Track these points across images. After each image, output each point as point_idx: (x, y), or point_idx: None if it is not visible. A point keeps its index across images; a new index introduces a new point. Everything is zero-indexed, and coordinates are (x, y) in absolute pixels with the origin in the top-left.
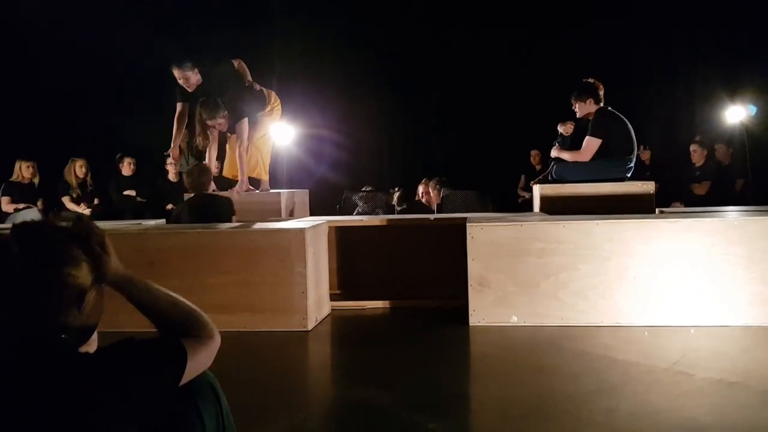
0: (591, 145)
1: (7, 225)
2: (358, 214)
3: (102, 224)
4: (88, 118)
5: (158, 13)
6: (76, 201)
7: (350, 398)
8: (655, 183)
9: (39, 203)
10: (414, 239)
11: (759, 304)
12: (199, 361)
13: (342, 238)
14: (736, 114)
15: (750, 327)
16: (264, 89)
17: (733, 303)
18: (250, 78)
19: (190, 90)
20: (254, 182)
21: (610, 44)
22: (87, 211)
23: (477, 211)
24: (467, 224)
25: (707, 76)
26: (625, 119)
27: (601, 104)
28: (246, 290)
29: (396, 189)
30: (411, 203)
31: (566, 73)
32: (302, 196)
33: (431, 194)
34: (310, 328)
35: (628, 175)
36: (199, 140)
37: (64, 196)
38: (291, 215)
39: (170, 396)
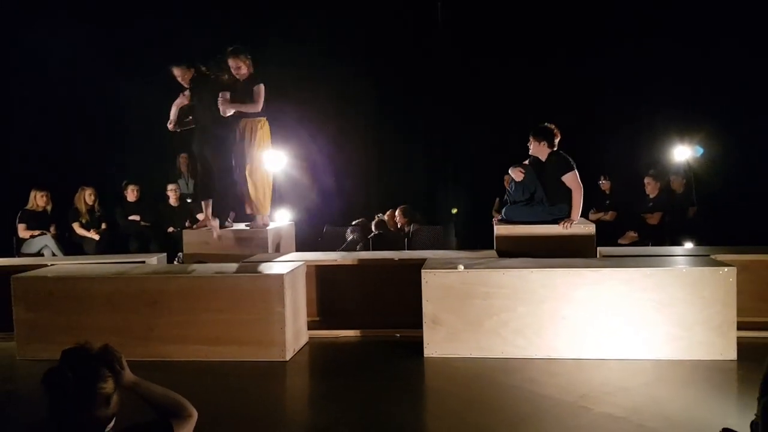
0: (574, 177)
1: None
2: (354, 242)
3: (112, 268)
4: (95, 150)
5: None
6: (86, 227)
7: (311, 425)
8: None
9: (52, 229)
10: (381, 276)
11: (669, 342)
12: None
13: (320, 274)
14: (683, 153)
15: (660, 360)
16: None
17: (647, 340)
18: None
19: (186, 85)
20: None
21: (578, 82)
22: (96, 237)
23: (441, 246)
24: (422, 270)
25: (663, 117)
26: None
27: (554, 149)
28: (233, 326)
29: (379, 215)
30: (386, 229)
31: (538, 104)
32: (288, 230)
33: (398, 220)
34: (288, 358)
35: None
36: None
37: (74, 222)
38: (278, 249)
39: None
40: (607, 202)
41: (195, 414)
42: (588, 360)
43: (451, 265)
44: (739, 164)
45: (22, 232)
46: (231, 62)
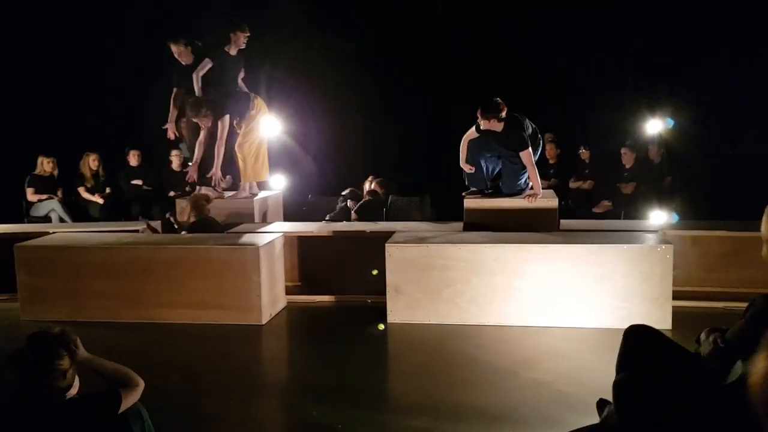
0: (529, 155)
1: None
2: (344, 209)
3: (107, 237)
4: (99, 115)
5: (155, 15)
6: (90, 191)
7: (277, 382)
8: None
9: (59, 193)
10: (354, 246)
11: (610, 312)
12: (129, 400)
13: (300, 243)
14: (655, 126)
15: (601, 329)
16: (250, 93)
17: (590, 310)
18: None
19: (183, 63)
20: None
21: (561, 50)
22: (100, 200)
23: (416, 217)
24: (386, 244)
25: (635, 89)
26: (523, 117)
27: (504, 120)
28: (215, 293)
29: (371, 179)
30: (377, 197)
31: (521, 77)
32: (276, 199)
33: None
34: (264, 322)
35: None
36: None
37: (79, 186)
38: (264, 219)
39: (114, 417)
40: (586, 171)
41: (141, 383)
42: (535, 327)
43: (413, 236)
44: (711, 135)
45: (31, 195)
46: (172, 48)
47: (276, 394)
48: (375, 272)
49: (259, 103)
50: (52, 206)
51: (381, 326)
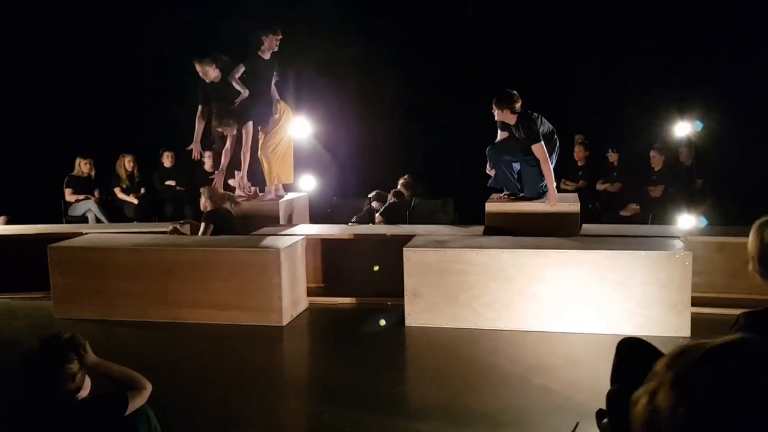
0: (541, 148)
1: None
2: (370, 211)
3: (134, 238)
4: (134, 117)
5: (189, 17)
6: (126, 191)
7: (294, 382)
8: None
9: (96, 194)
10: (375, 249)
11: (628, 318)
12: (136, 403)
13: (324, 245)
14: (683, 128)
15: (619, 335)
16: (275, 101)
17: (608, 316)
18: (275, 46)
19: (207, 80)
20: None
21: (591, 51)
22: (135, 201)
23: (440, 220)
24: (404, 248)
25: (667, 90)
26: (538, 115)
27: (518, 113)
28: (237, 293)
29: (405, 177)
30: (403, 199)
31: (554, 75)
32: (301, 202)
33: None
34: (284, 323)
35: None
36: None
37: (115, 187)
38: (290, 221)
39: (121, 419)
40: (614, 173)
41: (148, 386)
42: (552, 333)
43: (432, 240)
44: (740, 138)
45: (69, 196)
46: (197, 67)
47: (290, 394)
48: (376, 268)
49: (283, 107)
50: (88, 206)
51: (382, 322)
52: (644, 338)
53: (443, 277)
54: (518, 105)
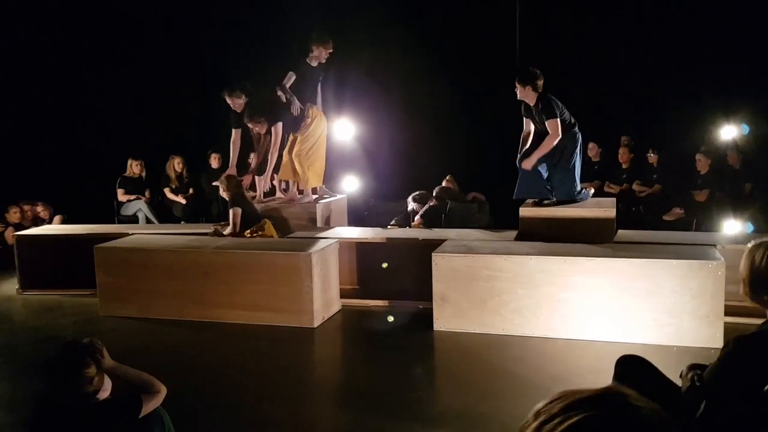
0: (556, 125)
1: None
2: (412, 212)
3: (174, 239)
4: (183, 120)
5: (237, 20)
6: (175, 192)
7: (321, 382)
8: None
9: (146, 194)
10: (408, 252)
11: (657, 328)
12: (150, 405)
13: (359, 248)
14: (729, 132)
15: (648, 345)
16: (307, 106)
17: (634, 325)
18: (324, 57)
19: (238, 111)
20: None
21: (640, 53)
22: (183, 201)
23: (474, 223)
24: (433, 254)
25: (712, 94)
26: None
27: (539, 92)
28: (270, 295)
29: (447, 179)
30: (443, 201)
31: (593, 74)
32: (340, 203)
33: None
34: (316, 325)
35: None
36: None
37: (165, 187)
38: (327, 223)
39: (136, 421)
40: (654, 176)
41: (163, 390)
42: (579, 341)
43: (462, 245)
44: None
45: (121, 196)
46: (227, 99)
47: (314, 396)
48: (385, 265)
49: (315, 112)
50: (139, 206)
51: (390, 318)
52: (675, 348)
53: (472, 282)
54: (540, 83)
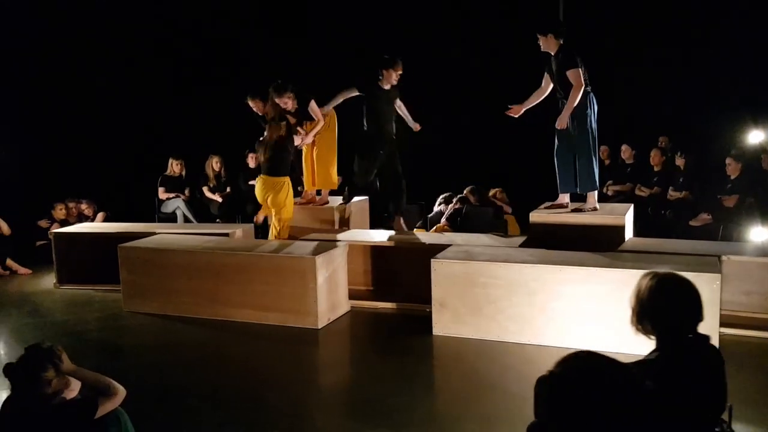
0: (577, 74)
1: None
2: (440, 213)
3: (192, 240)
4: (222, 120)
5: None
6: (212, 190)
7: (316, 381)
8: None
9: (186, 192)
10: (414, 257)
11: (644, 339)
12: (106, 407)
13: (373, 251)
14: (757, 136)
15: (638, 356)
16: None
17: (628, 335)
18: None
19: (260, 113)
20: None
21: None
22: (219, 199)
23: (488, 228)
24: (432, 260)
25: (741, 99)
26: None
27: (561, 43)
28: (277, 297)
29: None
30: (470, 204)
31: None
32: (362, 205)
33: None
34: (320, 326)
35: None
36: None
37: (203, 186)
38: (347, 225)
39: (91, 421)
40: (681, 180)
41: (121, 392)
42: (573, 350)
43: (463, 252)
44: None
45: (161, 194)
46: (249, 103)
47: (306, 397)
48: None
49: (331, 115)
50: (177, 204)
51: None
52: None
53: (469, 289)
54: (563, 30)
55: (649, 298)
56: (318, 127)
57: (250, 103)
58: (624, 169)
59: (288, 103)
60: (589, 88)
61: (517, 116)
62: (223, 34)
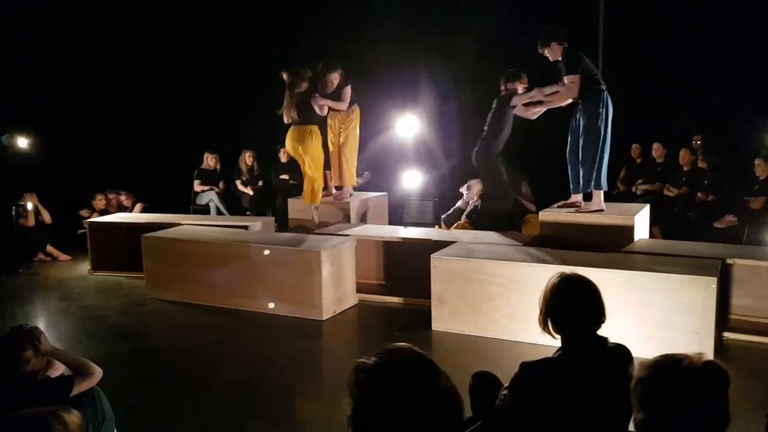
0: (571, 81)
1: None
2: (459, 209)
3: (211, 232)
4: (256, 116)
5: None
6: (245, 184)
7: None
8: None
9: (220, 185)
10: (421, 252)
11: (642, 341)
12: (83, 386)
13: (384, 246)
14: None
15: (636, 358)
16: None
17: (623, 338)
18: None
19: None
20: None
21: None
22: (251, 192)
23: (501, 225)
24: (431, 256)
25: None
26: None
27: (565, 45)
28: (285, 288)
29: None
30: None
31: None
32: (379, 200)
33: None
34: (324, 318)
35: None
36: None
37: (236, 179)
38: (363, 220)
39: (67, 399)
40: (706, 182)
41: (98, 372)
42: None
43: (463, 250)
44: None
45: (197, 186)
46: (327, 77)
47: (297, 385)
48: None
49: (356, 111)
50: (210, 197)
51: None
52: None
53: (467, 286)
54: (562, 33)
55: (551, 297)
56: (336, 107)
57: (285, 77)
58: (654, 168)
59: (335, 81)
60: (603, 87)
61: (527, 114)
62: (260, 32)
